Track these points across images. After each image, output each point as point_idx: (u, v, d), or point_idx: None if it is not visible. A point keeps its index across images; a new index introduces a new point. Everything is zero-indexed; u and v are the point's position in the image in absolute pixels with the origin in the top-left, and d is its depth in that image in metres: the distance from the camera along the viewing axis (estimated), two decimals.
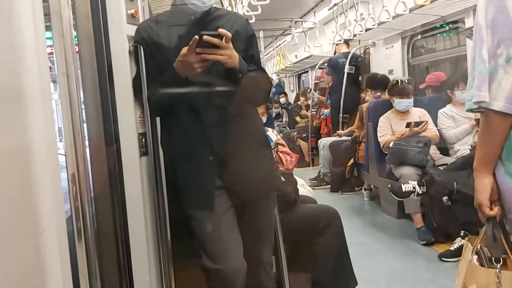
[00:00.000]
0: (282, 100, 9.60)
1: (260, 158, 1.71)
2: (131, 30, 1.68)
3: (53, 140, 0.70)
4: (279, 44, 8.80)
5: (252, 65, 1.67)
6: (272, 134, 2.21)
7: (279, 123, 8.70)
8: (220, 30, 1.46)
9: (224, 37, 1.47)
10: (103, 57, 1.64)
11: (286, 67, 9.07)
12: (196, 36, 1.45)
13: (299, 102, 8.54)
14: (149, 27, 1.65)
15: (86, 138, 1.67)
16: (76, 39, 1.65)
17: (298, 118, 8.10)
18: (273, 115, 8.53)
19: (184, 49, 1.51)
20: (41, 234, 0.66)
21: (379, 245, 3.37)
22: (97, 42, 1.63)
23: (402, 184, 3.17)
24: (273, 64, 10.22)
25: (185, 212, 1.65)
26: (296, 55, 8.69)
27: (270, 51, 9.80)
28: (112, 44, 1.65)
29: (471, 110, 1.17)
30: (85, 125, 1.68)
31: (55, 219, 0.67)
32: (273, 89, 10.54)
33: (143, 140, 1.71)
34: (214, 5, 1.67)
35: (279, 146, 3.37)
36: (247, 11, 3.59)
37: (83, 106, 1.58)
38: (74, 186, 0.79)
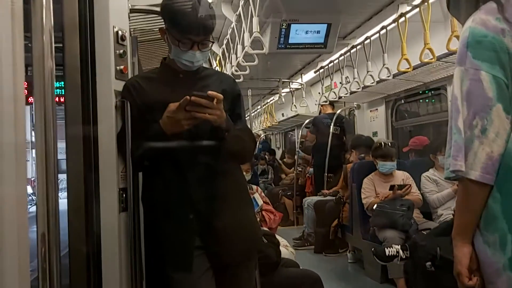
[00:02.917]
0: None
1: (242, 218, 1.68)
2: (119, 85, 1.69)
3: (23, 196, 0.68)
4: (267, 102, 8.97)
5: (238, 123, 1.69)
6: (259, 198, 2.19)
7: (264, 179, 8.69)
8: (210, 93, 1.49)
9: (215, 99, 1.49)
10: (89, 111, 1.64)
11: (272, 124, 9.19)
12: (188, 97, 1.47)
13: (284, 160, 8.59)
14: (136, 83, 1.67)
15: (65, 190, 1.65)
16: (63, 89, 1.66)
17: (283, 176, 8.12)
18: (259, 171, 8.54)
19: (172, 105, 1.52)
20: None
21: None
22: (83, 95, 1.64)
23: (385, 248, 3.13)
24: (260, 121, 10.36)
25: (162, 271, 1.59)
26: (283, 114, 8.84)
27: (257, 109, 9.96)
28: (99, 98, 1.65)
29: (449, 179, 1.18)
30: (65, 175, 1.66)
31: (19, 279, 0.64)
32: (260, 146, 10.64)
33: (124, 195, 1.68)
34: (202, 65, 1.71)
35: (263, 204, 3.35)
36: (236, 70, 3.68)
37: (63, 157, 1.57)
38: (43, 246, 0.76)
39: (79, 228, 1.64)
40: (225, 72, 3.85)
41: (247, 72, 3.67)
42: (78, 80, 1.65)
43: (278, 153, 10.37)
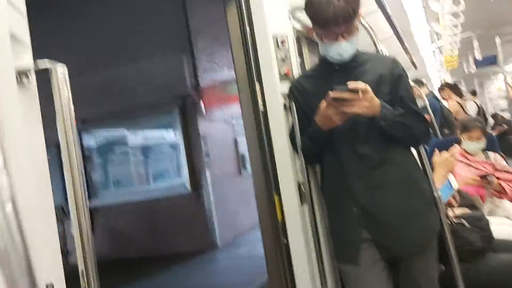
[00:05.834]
0: None
1: (412, 209, 1.57)
2: (285, 87, 1.81)
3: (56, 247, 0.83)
4: None
5: (399, 108, 1.58)
6: (453, 180, 1.91)
7: None
8: (351, 86, 1.45)
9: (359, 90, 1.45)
10: (259, 113, 1.84)
11: None
12: (330, 92, 1.47)
13: None
14: (298, 83, 1.74)
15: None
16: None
17: None
18: None
19: (323, 103, 1.54)
20: None
21: None
22: (253, 99, 1.85)
23: None
24: None
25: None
26: None
27: None
28: (267, 100, 1.83)
29: None
30: None
31: None
32: None
33: (302, 189, 1.80)
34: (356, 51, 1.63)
35: (499, 173, 2.94)
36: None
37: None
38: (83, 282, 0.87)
39: (268, 221, 1.86)
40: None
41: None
42: (247, 86, 1.87)
43: None
